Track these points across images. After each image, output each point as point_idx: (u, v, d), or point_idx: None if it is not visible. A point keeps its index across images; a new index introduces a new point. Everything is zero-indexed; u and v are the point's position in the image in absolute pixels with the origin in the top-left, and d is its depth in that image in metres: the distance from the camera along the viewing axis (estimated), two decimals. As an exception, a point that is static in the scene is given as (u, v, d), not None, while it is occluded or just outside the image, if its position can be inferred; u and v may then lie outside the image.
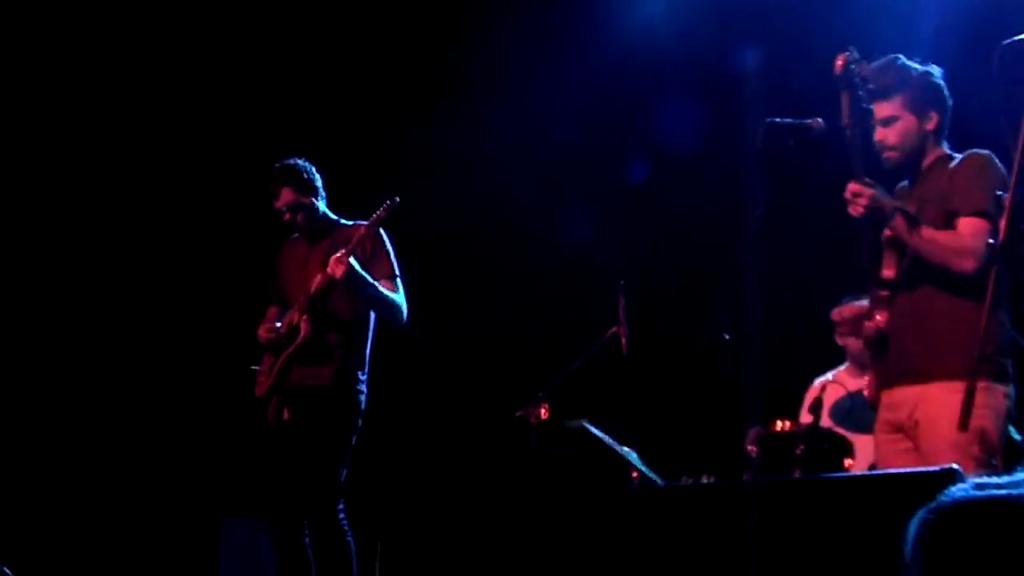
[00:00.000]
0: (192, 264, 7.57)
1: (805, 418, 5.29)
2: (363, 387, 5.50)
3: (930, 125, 3.96)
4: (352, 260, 5.27)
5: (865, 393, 4.23)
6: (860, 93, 3.81)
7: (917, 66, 3.97)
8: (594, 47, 7.53)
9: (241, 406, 5.96)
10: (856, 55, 3.82)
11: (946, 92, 4.00)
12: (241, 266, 5.44)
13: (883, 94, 3.93)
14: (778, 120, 3.96)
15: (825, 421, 5.25)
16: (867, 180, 3.80)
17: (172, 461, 6.92)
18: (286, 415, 5.42)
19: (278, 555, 5.43)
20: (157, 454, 7.20)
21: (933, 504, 1.57)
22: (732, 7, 7.20)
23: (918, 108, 3.94)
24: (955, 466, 2.81)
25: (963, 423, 3.24)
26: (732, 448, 4.96)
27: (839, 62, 3.79)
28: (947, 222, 3.81)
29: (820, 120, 4.01)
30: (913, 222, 3.75)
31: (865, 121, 3.87)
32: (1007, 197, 3.22)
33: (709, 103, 7.35)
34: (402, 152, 7.72)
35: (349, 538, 5.35)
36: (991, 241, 3.30)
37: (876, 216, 3.80)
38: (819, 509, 3.00)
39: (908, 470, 3.49)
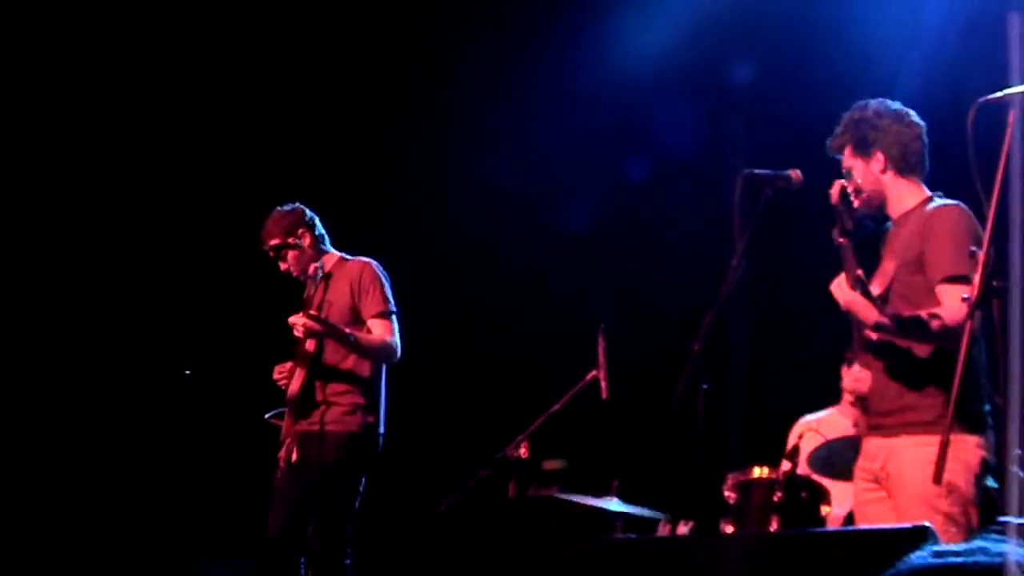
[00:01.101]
0: (185, 298, 7.57)
1: (783, 464, 5.29)
2: (375, 428, 5.51)
3: (877, 167, 3.95)
4: (307, 319, 5.29)
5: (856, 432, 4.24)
6: (851, 216, 3.80)
7: (874, 109, 3.97)
8: (581, 80, 7.57)
9: (221, 447, 5.96)
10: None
11: (896, 128, 3.95)
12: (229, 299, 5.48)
13: (838, 148, 3.98)
14: (756, 171, 3.98)
15: (803, 468, 5.25)
16: (858, 279, 3.69)
17: (148, 499, 6.88)
18: (294, 457, 5.43)
19: None
20: (133, 492, 7.16)
21: (891, 572, 1.57)
22: (727, 25, 7.25)
23: (862, 151, 3.95)
24: (927, 523, 2.81)
25: (937, 477, 3.23)
26: (710, 493, 4.96)
27: (836, 189, 3.79)
28: (923, 283, 3.81)
29: (798, 171, 4.03)
30: (896, 324, 3.67)
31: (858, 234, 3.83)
32: (980, 253, 3.22)
33: (695, 135, 7.39)
34: (386, 191, 7.74)
35: None
36: (965, 296, 3.30)
37: (856, 318, 3.79)
38: (792, 563, 3.00)
39: (880, 527, 3.49)
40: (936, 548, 1.59)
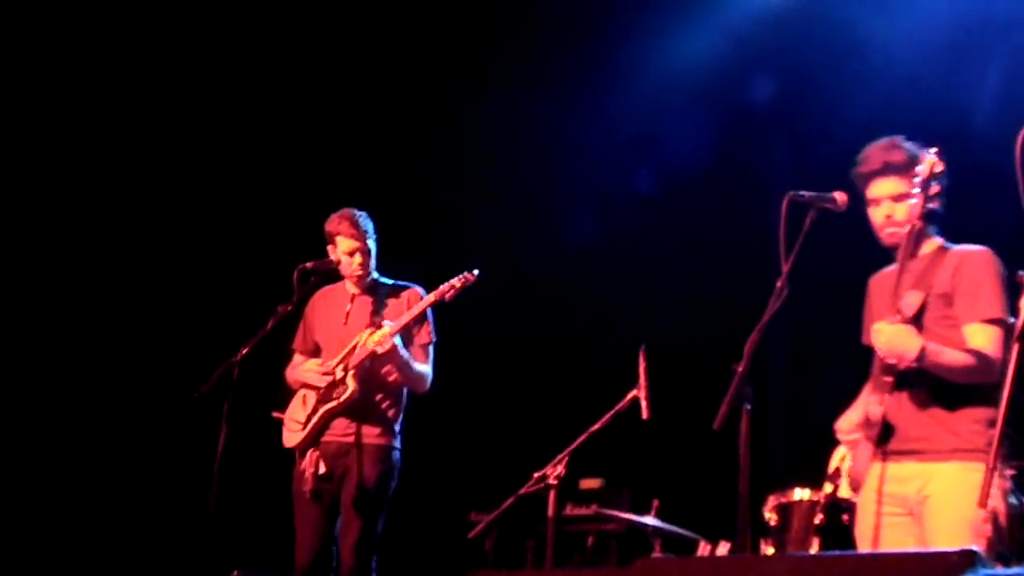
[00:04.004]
0: (203, 305, 7.64)
1: (825, 487, 5.27)
2: (399, 443, 5.53)
3: (934, 205, 3.96)
4: (397, 340, 5.29)
5: (849, 468, 4.23)
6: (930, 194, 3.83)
7: (923, 149, 3.97)
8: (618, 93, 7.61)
9: (252, 458, 5.98)
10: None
11: (944, 176, 3.96)
12: (254, 309, 5.49)
13: (895, 170, 3.94)
14: (801, 193, 3.99)
15: (844, 491, 5.22)
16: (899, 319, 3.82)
17: (182, 515, 6.92)
18: (323, 469, 5.43)
19: None
20: (172, 507, 7.20)
21: None
22: (755, 40, 7.29)
23: (927, 188, 3.92)
24: (975, 548, 2.80)
25: (982, 500, 3.23)
26: (751, 514, 4.95)
27: (927, 164, 3.80)
28: (951, 321, 3.86)
29: (844, 194, 4.03)
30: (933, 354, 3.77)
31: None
32: (1026, 276, 3.22)
33: (738, 155, 7.41)
34: (415, 208, 7.79)
35: None
36: (1011, 319, 3.31)
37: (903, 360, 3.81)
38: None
39: (927, 550, 3.48)
40: (992, 571, 1.59)
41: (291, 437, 5.56)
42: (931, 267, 3.96)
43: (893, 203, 3.98)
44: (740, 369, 3.79)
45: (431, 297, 5.39)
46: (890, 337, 3.81)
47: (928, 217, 3.92)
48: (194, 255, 7.80)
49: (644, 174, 7.71)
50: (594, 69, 7.80)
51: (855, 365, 6.09)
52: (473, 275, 5.32)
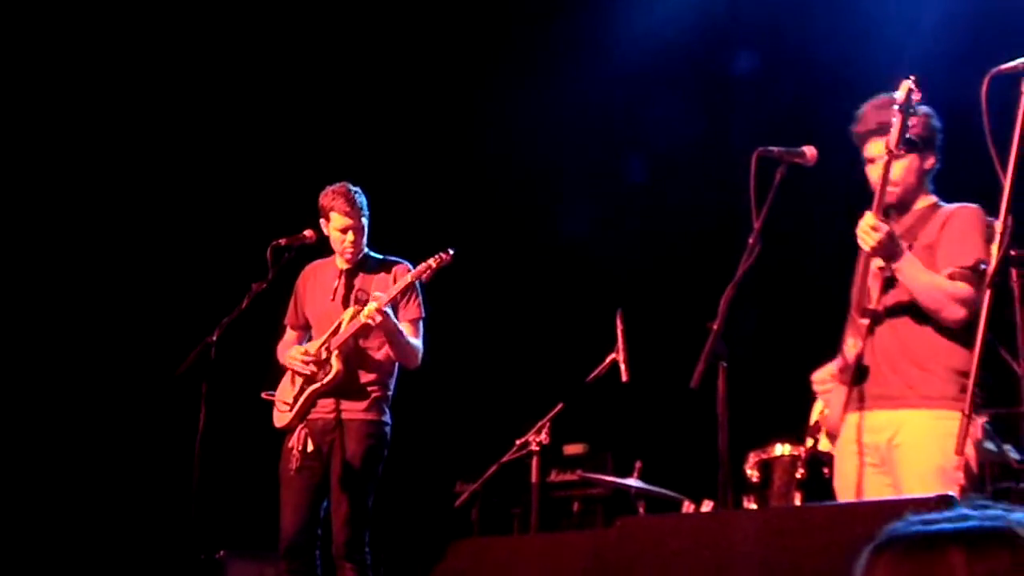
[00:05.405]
0: (179, 285, 7.62)
1: (806, 441, 5.30)
2: (388, 419, 5.53)
3: (928, 165, 3.96)
4: (388, 310, 5.29)
5: (822, 416, 4.25)
6: (909, 124, 3.74)
7: (922, 106, 3.88)
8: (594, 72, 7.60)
9: (234, 437, 5.98)
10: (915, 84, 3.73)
11: (941, 136, 3.95)
12: (230, 288, 5.47)
13: (887, 130, 3.84)
14: (770, 148, 3.98)
15: (825, 445, 5.26)
16: (883, 218, 3.79)
17: (167, 497, 6.92)
18: (310, 447, 5.44)
19: None
20: (156, 488, 7.20)
21: (881, 538, 1.57)
22: (732, 14, 7.28)
23: (921, 148, 3.90)
24: (951, 493, 2.83)
25: (959, 448, 3.26)
26: (732, 472, 4.98)
27: (904, 89, 3.70)
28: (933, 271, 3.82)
29: (813, 148, 4.02)
30: (916, 265, 3.77)
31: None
32: (998, 223, 3.24)
33: (704, 112, 7.42)
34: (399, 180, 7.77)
35: (370, 573, 5.37)
36: (983, 266, 3.33)
37: (885, 253, 3.78)
38: (816, 536, 3.01)
39: (907, 497, 3.51)
40: (923, 516, 1.59)
41: (280, 418, 5.57)
42: (920, 222, 3.94)
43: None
44: (715, 327, 3.79)
45: (408, 278, 5.38)
46: (886, 235, 3.74)
47: (909, 145, 3.79)
48: (170, 234, 7.76)
49: (620, 142, 7.71)
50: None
51: (830, 319, 6.15)
52: (448, 255, 5.32)
